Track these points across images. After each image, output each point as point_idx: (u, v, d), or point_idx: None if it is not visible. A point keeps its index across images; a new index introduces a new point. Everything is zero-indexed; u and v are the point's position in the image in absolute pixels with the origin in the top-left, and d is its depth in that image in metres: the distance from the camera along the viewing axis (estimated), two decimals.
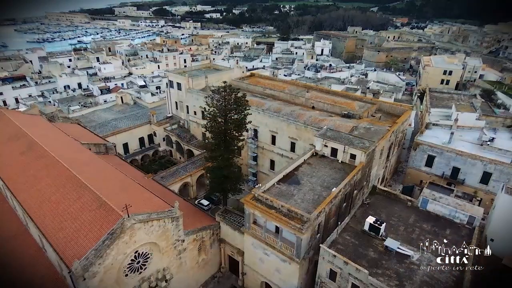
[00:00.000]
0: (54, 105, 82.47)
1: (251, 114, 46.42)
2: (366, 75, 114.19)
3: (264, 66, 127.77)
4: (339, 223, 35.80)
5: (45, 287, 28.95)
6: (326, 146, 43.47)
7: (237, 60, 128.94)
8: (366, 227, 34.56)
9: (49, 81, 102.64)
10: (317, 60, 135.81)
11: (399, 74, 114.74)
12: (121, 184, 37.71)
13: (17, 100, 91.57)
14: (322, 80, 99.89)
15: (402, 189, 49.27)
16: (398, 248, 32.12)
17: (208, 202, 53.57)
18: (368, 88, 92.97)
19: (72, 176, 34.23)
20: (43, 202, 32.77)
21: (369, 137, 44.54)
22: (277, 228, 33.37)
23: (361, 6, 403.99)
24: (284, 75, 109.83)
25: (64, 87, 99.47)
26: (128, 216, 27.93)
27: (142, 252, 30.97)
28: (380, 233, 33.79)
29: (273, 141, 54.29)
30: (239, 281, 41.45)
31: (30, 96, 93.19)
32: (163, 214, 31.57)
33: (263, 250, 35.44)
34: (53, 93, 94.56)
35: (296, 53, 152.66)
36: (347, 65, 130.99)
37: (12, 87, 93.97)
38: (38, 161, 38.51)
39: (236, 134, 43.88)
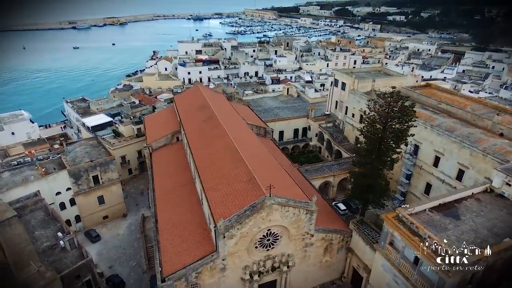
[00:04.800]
0: (234, 87, 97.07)
1: (415, 126, 41.83)
2: None
3: (445, 77, 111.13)
4: (503, 282, 28.36)
5: (197, 232, 35.21)
6: (509, 184, 34.65)
7: (413, 68, 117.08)
8: None
9: (235, 67, 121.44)
10: None
11: None
12: (270, 166, 41.20)
13: (209, 79, 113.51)
14: None
15: None
16: None
17: (345, 207, 52.06)
18: None
19: (234, 148, 39.70)
20: (211, 164, 39.53)
21: None
22: (416, 259, 29.42)
23: None
24: (470, 91, 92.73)
25: (244, 73, 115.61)
26: (270, 196, 30.43)
27: (274, 232, 33.28)
28: None
29: (436, 163, 47.35)
30: None
31: (218, 77, 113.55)
32: (300, 204, 32.83)
33: (393, 276, 32.05)
34: (235, 77, 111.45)
35: (493, 67, 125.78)
36: None
37: (208, 68, 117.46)
38: (213, 130, 46.48)
39: (393, 145, 40.42)
